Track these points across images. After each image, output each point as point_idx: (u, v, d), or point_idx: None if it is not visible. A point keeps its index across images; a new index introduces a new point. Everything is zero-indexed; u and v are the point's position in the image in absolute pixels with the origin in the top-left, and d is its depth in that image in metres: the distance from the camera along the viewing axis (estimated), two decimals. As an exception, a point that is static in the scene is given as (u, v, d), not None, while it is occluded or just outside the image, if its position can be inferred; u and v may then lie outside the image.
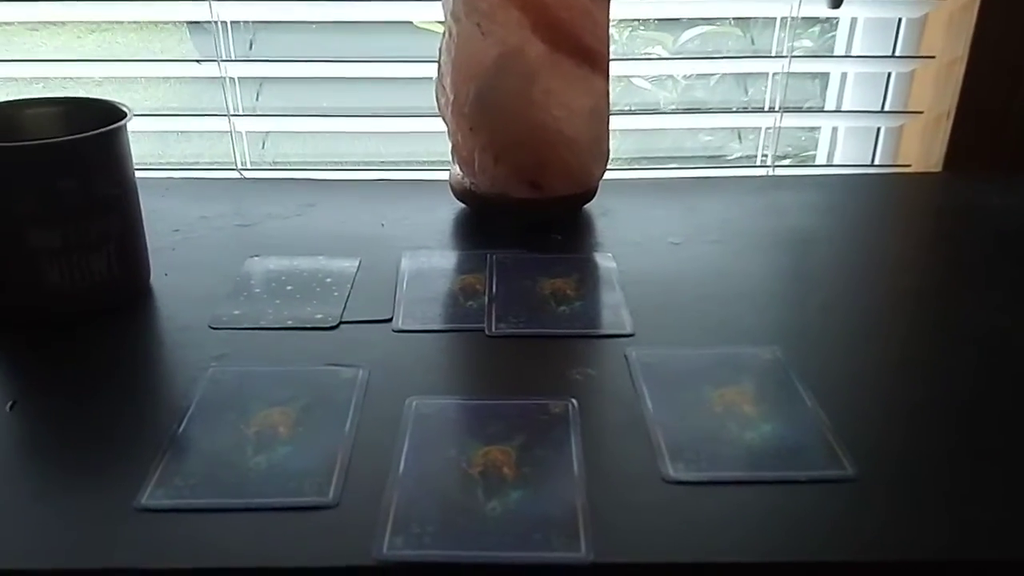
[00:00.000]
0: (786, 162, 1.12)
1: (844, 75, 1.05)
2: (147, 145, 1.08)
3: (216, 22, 0.95)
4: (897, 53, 1.00)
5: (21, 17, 1.01)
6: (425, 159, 1.07)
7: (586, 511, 0.44)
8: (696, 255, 0.73)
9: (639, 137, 1.13)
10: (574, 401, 0.53)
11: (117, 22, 1.09)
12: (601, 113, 0.75)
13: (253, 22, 1.02)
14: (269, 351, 0.59)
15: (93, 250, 0.61)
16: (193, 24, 1.08)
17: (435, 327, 0.62)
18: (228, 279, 0.68)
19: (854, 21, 1.01)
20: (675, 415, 0.52)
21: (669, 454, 0.49)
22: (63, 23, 1.09)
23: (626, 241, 0.76)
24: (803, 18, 0.97)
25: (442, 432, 0.51)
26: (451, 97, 0.74)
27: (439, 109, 0.78)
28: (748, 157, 1.11)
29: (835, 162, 1.07)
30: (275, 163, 1.07)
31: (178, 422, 0.51)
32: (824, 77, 1.08)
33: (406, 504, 0.44)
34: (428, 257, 0.73)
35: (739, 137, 1.15)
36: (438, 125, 0.80)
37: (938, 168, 0.96)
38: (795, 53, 0.98)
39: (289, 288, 0.67)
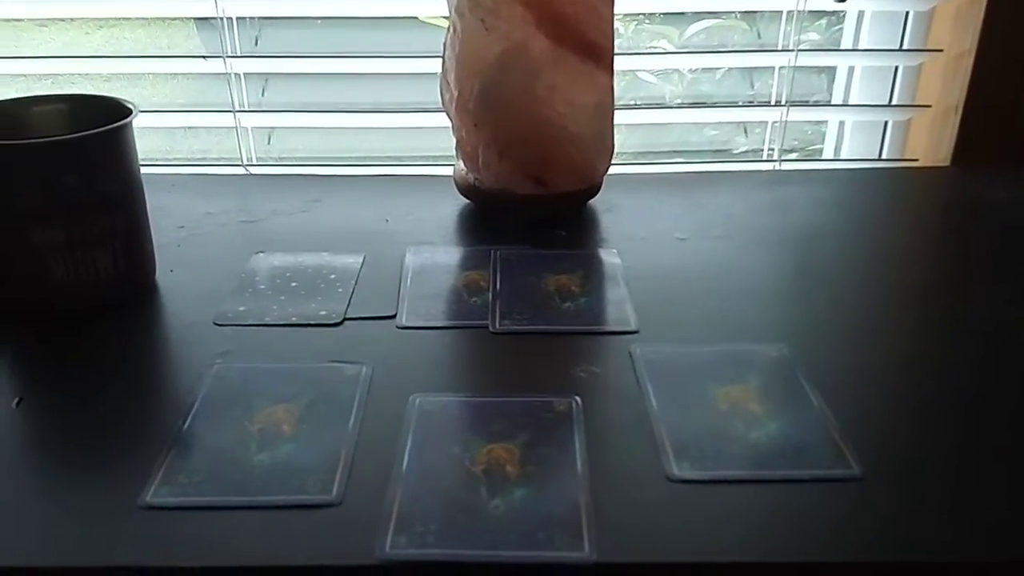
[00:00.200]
0: (792, 156, 1.11)
1: (851, 69, 1.04)
2: (155, 140, 1.09)
3: (221, 18, 0.95)
4: (904, 46, 0.99)
5: (30, 14, 1.01)
6: (430, 154, 1.07)
7: (589, 510, 0.44)
8: (701, 251, 0.73)
9: (645, 131, 1.13)
10: (578, 399, 0.53)
11: (124, 18, 1.09)
12: (605, 108, 0.75)
13: (259, 18, 1.02)
14: (273, 348, 0.59)
15: (98, 246, 0.61)
16: (200, 19, 1.08)
17: (439, 324, 0.62)
18: (233, 275, 0.68)
19: (861, 14, 1.01)
20: (680, 413, 0.52)
21: (673, 452, 0.48)
22: (71, 19, 1.09)
23: (631, 237, 0.76)
24: (809, 12, 0.96)
25: (445, 429, 0.51)
26: (455, 93, 0.74)
27: (443, 105, 0.78)
28: (754, 152, 1.11)
29: (842, 156, 1.06)
30: (281, 158, 1.07)
31: (183, 419, 0.51)
32: (831, 71, 1.08)
33: (409, 502, 0.44)
34: (432, 253, 0.73)
35: (745, 131, 1.15)
36: (443, 120, 0.79)
37: (946, 162, 0.95)
38: (801, 47, 0.98)
39: (294, 284, 0.67)
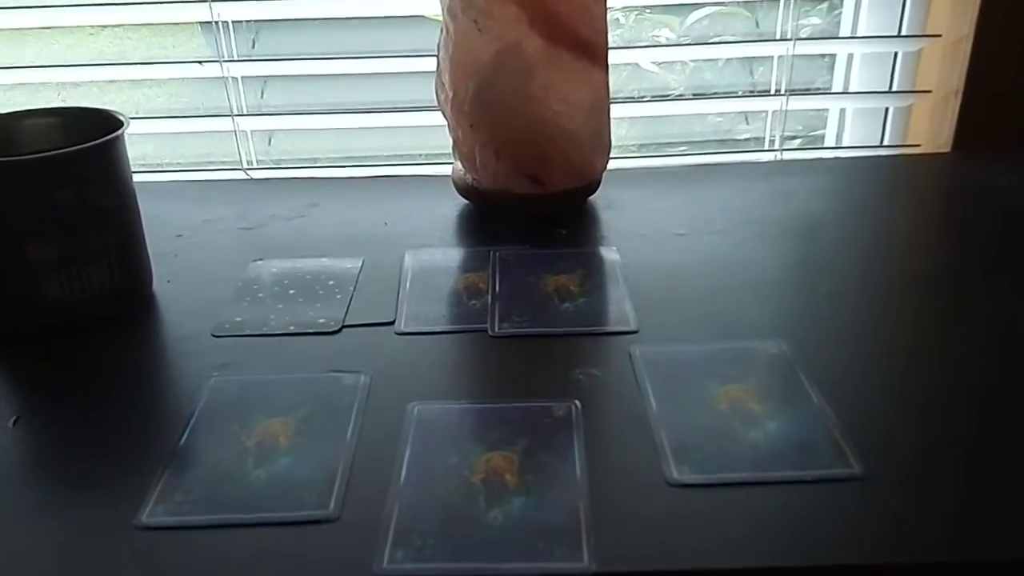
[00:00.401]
0: (795, 143, 1.10)
1: (850, 56, 1.03)
2: (157, 143, 1.09)
3: (217, 22, 0.95)
4: (903, 32, 0.98)
5: (30, 24, 1.02)
6: (431, 151, 1.06)
7: (589, 518, 0.44)
8: (701, 246, 0.73)
9: (648, 122, 1.12)
10: (577, 403, 0.53)
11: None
12: (601, 105, 0.75)
13: (255, 21, 1.01)
14: (271, 358, 0.59)
15: (92, 261, 0.61)
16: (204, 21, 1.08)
17: (438, 328, 0.62)
18: (231, 284, 0.68)
19: (859, 1, 1.00)
20: (679, 414, 0.52)
21: (673, 456, 0.48)
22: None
23: (631, 233, 0.75)
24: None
25: (444, 438, 0.50)
26: (450, 94, 0.74)
27: (439, 106, 0.78)
28: (756, 139, 1.10)
29: (844, 143, 1.06)
30: (281, 160, 1.07)
31: (180, 434, 0.51)
32: (831, 56, 1.07)
33: (407, 515, 0.44)
34: (431, 255, 0.73)
35: (746, 119, 1.14)
36: (441, 119, 0.79)
37: (948, 147, 0.95)
38: (800, 34, 0.97)
39: (292, 292, 0.67)
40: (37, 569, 0.42)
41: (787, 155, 1.02)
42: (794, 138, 1.12)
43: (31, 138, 0.65)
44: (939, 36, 0.94)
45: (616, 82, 0.75)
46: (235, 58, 0.98)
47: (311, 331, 0.62)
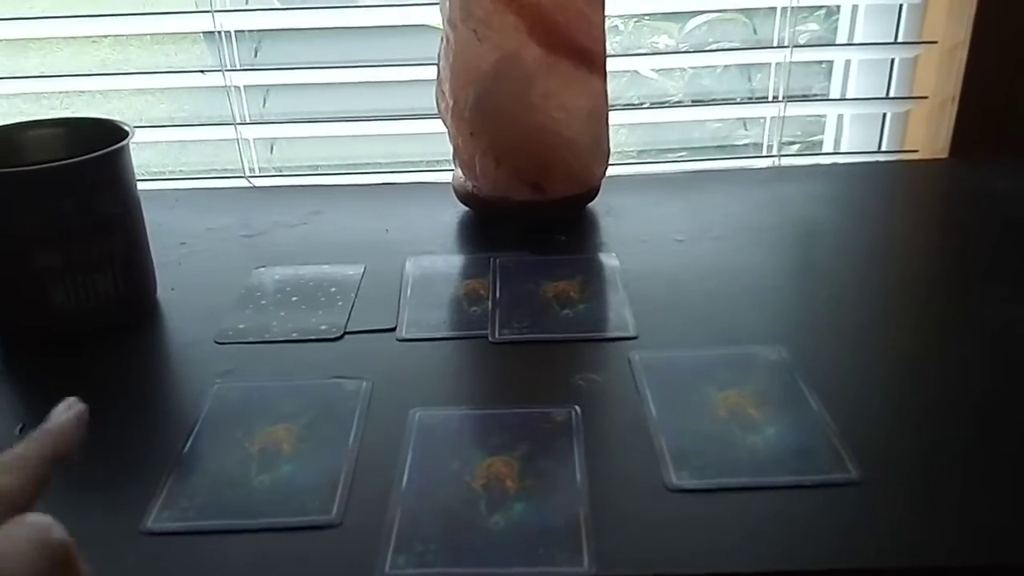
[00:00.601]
0: (793, 148, 1.11)
1: (848, 62, 1.04)
2: (159, 151, 1.10)
3: (219, 32, 0.95)
4: (899, 39, 0.99)
5: (32, 34, 1.02)
6: (431, 159, 1.07)
7: (589, 522, 0.44)
8: (700, 252, 0.73)
9: (647, 128, 1.13)
10: (577, 408, 0.53)
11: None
12: (600, 113, 0.75)
13: (258, 31, 1.02)
14: (274, 365, 0.60)
15: (97, 270, 0.62)
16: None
17: (439, 335, 0.63)
18: (234, 291, 0.69)
19: (855, 8, 1.01)
20: (679, 420, 0.52)
21: (672, 461, 0.49)
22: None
23: (630, 240, 0.76)
24: (804, 7, 0.96)
25: (445, 444, 0.51)
26: (451, 103, 0.74)
27: (439, 113, 0.78)
28: (755, 145, 1.11)
29: (842, 149, 1.06)
30: (283, 168, 1.07)
31: (184, 441, 0.52)
32: (829, 64, 1.07)
33: (409, 521, 0.45)
34: (432, 262, 0.73)
35: (744, 125, 1.15)
36: (442, 127, 0.80)
37: (946, 153, 0.95)
38: (798, 40, 0.98)
39: (294, 299, 0.68)
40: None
41: (785, 161, 1.02)
42: (792, 144, 1.12)
43: (37, 148, 0.65)
44: (935, 43, 0.95)
45: (615, 89, 0.76)
46: (238, 67, 0.99)
47: (313, 338, 0.62)
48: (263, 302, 0.67)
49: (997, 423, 0.51)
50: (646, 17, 1.16)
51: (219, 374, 0.58)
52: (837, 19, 1.06)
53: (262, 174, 1.03)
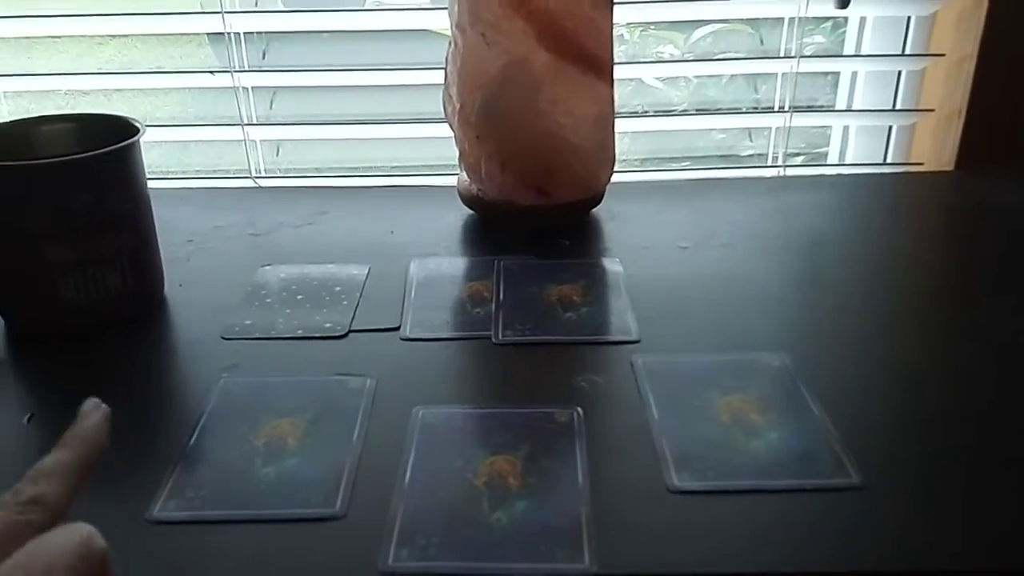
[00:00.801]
0: (798, 160, 1.11)
1: (854, 74, 1.04)
2: (163, 151, 1.10)
3: (229, 33, 0.96)
4: (907, 51, 0.99)
5: (41, 32, 1.03)
6: (436, 163, 1.08)
7: (590, 521, 0.45)
8: (704, 259, 0.74)
9: (651, 137, 1.13)
10: (580, 410, 0.53)
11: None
12: (606, 119, 0.76)
13: (266, 32, 1.03)
14: (279, 361, 0.60)
15: (107, 264, 0.62)
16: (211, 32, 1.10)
17: (442, 335, 0.63)
18: (240, 289, 0.69)
19: (863, 20, 1.01)
20: (681, 423, 0.52)
21: (674, 463, 0.49)
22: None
23: (634, 245, 0.76)
24: (812, 18, 0.97)
25: (448, 442, 0.51)
26: (457, 106, 0.75)
27: (446, 117, 0.79)
28: (759, 155, 1.11)
29: (847, 160, 1.07)
30: (289, 170, 1.08)
31: (190, 433, 0.52)
32: (835, 74, 1.08)
33: (412, 515, 0.45)
34: (436, 264, 0.74)
35: (749, 136, 1.15)
36: (448, 130, 0.80)
37: (951, 166, 0.96)
38: (804, 52, 0.98)
39: (300, 297, 0.68)
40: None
41: (790, 171, 1.03)
42: (797, 155, 1.13)
43: (48, 143, 0.66)
44: (943, 55, 0.95)
45: (619, 97, 0.77)
46: (246, 68, 1.00)
47: (318, 335, 0.63)
48: (269, 300, 0.68)
49: (1000, 431, 0.52)
50: (652, 27, 1.17)
51: (225, 369, 0.59)
52: (844, 32, 1.06)
53: (268, 175, 1.04)
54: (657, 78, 1.14)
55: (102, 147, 0.60)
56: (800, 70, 0.98)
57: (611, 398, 0.56)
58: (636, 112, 1.10)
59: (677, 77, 1.14)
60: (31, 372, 0.60)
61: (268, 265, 0.73)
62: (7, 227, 0.60)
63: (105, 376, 0.59)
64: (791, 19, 0.98)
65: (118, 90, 1.08)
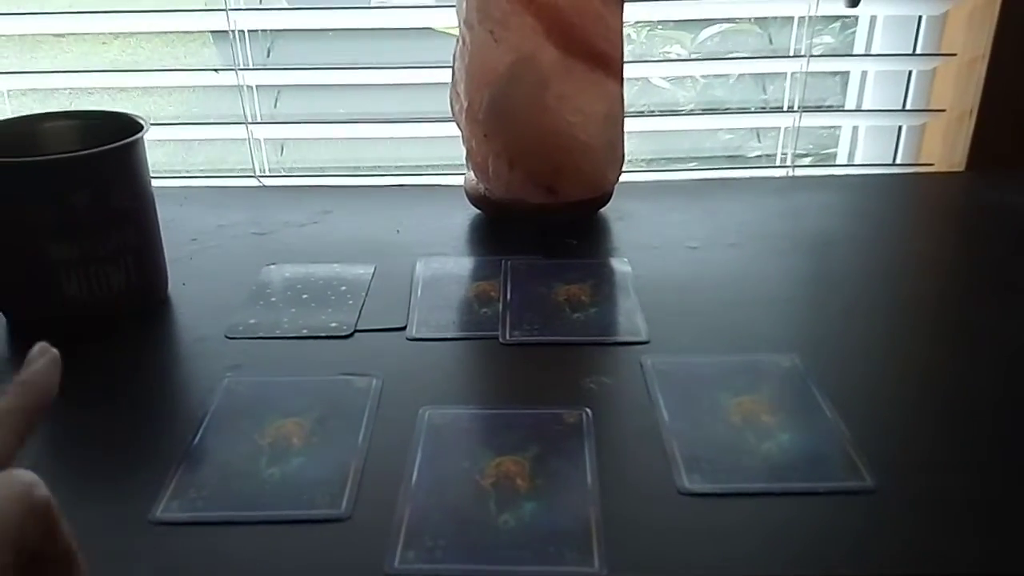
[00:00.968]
0: (806, 161, 1.11)
1: (864, 74, 1.04)
2: (167, 151, 1.10)
3: (233, 31, 0.95)
4: (918, 51, 0.99)
5: (47, 30, 1.03)
6: (442, 163, 1.07)
7: (600, 524, 0.44)
8: (714, 259, 0.73)
9: (659, 137, 1.12)
10: (588, 410, 0.53)
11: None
12: (616, 117, 0.75)
13: (271, 30, 1.02)
14: (284, 360, 0.59)
15: (110, 262, 0.61)
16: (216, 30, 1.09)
17: (449, 335, 0.62)
18: (244, 288, 0.69)
19: (873, 19, 1.00)
20: (691, 425, 0.52)
21: (684, 465, 0.48)
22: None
23: (643, 245, 0.76)
24: (821, 17, 0.96)
25: (455, 442, 0.50)
26: (465, 104, 0.74)
27: (453, 116, 0.78)
28: (768, 156, 1.10)
29: (856, 161, 1.06)
30: (293, 169, 1.08)
31: (194, 433, 0.51)
32: (845, 74, 1.07)
33: (418, 516, 0.44)
34: (443, 263, 0.73)
35: (758, 136, 1.14)
36: (454, 130, 0.79)
37: (961, 167, 0.95)
38: (814, 51, 0.97)
39: (304, 296, 0.68)
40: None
41: (799, 172, 1.02)
42: (805, 155, 1.12)
43: (52, 140, 0.65)
44: (954, 55, 0.95)
45: (626, 97, 0.76)
46: (251, 66, 0.99)
47: (323, 335, 0.62)
48: (273, 299, 0.67)
49: (1013, 434, 0.51)
50: (658, 26, 1.16)
51: (229, 368, 0.58)
52: (853, 32, 1.05)
53: (272, 174, 1.03)
54: (664, 78, 1.13)
55: (106, 144, 0.60)
56: (810, 69, 0.97)
57: (620, 399, 0.55)
58: (643, 112, 1.09)
59: (684, 77, 1.13)
60: (33, 370, 0.60)
61: (272, 264, 0.73)
62: (10, 224, 0.59)
63: (108, 374, 0.58)
64: (800, 18, 0.98)
65: (122, 89, 1.08)
